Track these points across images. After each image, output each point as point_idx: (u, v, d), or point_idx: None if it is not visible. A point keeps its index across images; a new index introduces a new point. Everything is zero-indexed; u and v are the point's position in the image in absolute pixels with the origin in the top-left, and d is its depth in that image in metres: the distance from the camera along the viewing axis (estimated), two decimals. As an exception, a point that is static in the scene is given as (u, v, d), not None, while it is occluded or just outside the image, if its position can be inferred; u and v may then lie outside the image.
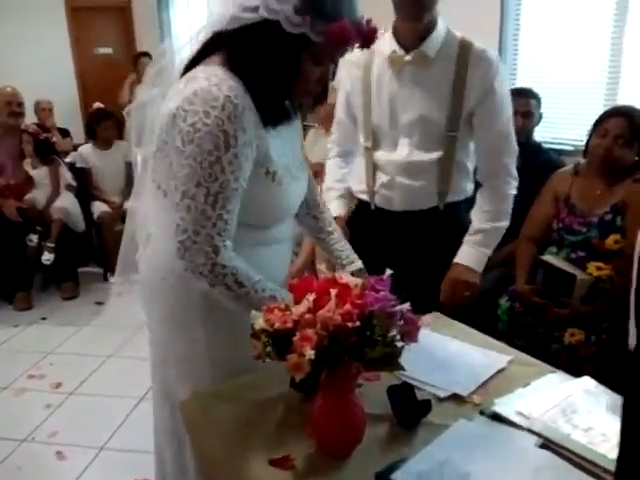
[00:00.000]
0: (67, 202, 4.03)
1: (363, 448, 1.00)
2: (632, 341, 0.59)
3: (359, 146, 1.88)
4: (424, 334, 0.99)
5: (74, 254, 4.08)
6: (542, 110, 2.64)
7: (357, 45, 1.13)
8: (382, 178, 1.80)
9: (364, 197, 1.88)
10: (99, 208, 4.27)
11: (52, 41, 6.24)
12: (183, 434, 1.29)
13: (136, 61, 5.72)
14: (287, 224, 1.32)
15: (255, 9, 1.05)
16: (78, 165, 4.36)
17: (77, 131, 5.42)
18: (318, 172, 2.32)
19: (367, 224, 1.87)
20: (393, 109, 1.73)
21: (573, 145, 2.91)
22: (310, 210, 1.47)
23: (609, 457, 0.95)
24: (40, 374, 2.93)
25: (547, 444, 1.00)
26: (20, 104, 3.92)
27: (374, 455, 0.99)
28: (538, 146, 2.66)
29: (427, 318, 1.45)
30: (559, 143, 2.99)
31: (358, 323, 0.88)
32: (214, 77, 1.07)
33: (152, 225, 1.27)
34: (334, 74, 1.20)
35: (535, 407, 1.09)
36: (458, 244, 1.80)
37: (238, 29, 1.08)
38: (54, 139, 4.49)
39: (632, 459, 0.55)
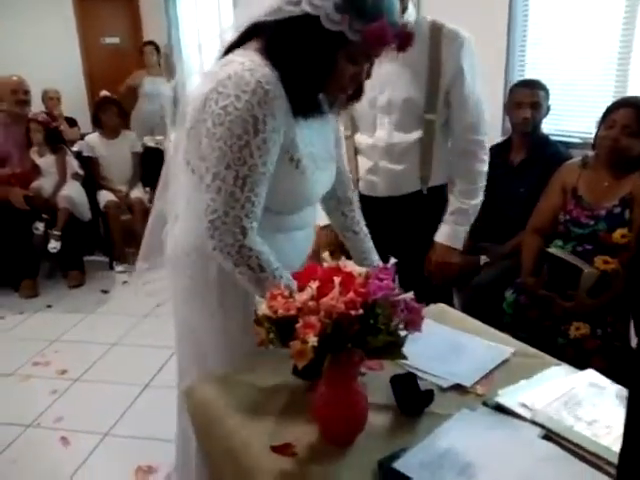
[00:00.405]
0: (73, 191, 4.04)
1: (365, 436, 1.00)
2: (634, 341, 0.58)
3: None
4: (427, 324, 0.98)
5: (80, 243, 4.09)
6: (550, 102, 2.61)
7: (393, 47, 1.14)
8: (365, 164, 1.84)
9: None
10: (105, 197, 4.28)
11: (59, 31, 6.25)
12: None
13: (141, 51, 5.73)
14: (308, 212, 1.34)
15: (297, 3, 1.07)
16: (85, 154, 4.37)
17: (84, 121, 5.42)
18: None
19: None
20: (371, 89, 1.72)
21: (581, 137, 2.88)
22: (340, 206, 1.49)
23: (612, 449, 0.95)
24: (45, 361, 2.95)
25: (550, 436, 1.00)
26: (26, 92, 3.92)
27: (376, 443, 0.99)
28: (546, 138, 2.63)
29: (430, 309, 1.45)
30: (567, 136, 2.97)
31: (361, 311, 0.88)
32: (249, 62, 1.10)
33: (181, 203, 1.32)
34: (369, 73, 1.21)
35: (538, 399, 1.08)
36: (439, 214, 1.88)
37: (279, 20, 1.09)
38: (62, 128, 4.50)
39: (635, 455, 0.55)
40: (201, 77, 1.20)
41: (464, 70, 1.70)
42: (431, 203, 1.87)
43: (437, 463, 0.93)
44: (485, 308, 2.22)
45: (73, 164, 4.18)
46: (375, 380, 1.12)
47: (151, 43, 5.76)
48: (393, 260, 1.00)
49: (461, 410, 1.07)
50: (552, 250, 2.20)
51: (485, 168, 1.86)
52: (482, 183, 1.87)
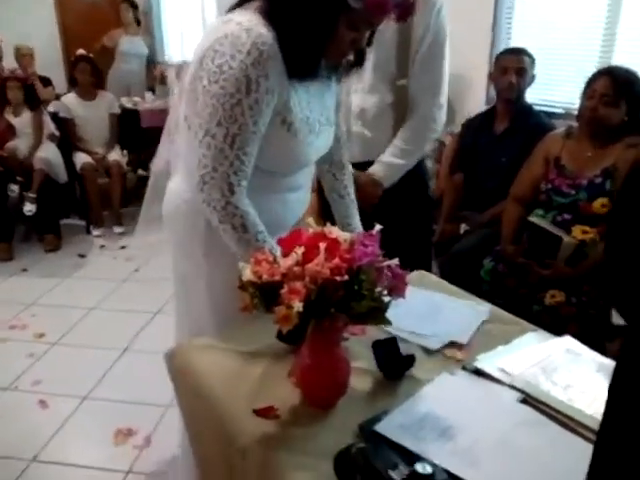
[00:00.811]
0: (49, 152, 3.94)
1: (347, 400, 1.01)
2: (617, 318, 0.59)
3: None
4: (409, 289, 0.98)
5: (56, 206, 4.02)
6: (535, 72, 2.61)
7: (393, 17, 1.15)
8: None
9: None
10: (82, 159, 4.18)
11: (32, -16, 5.98)
12: None
13: (118, 8, 5.54)
14: (302, 174, 1.36)
15: None
16: (61, 115, 4.25)
17: (59, 81, 5.26)
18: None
19: None
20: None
21: (564, 108, 2.89)
22: (332, 168, 1.51)
23: (586, 413, 0.98)
24: (22, 324, 2.92)
25: (527, 400, 1.02)
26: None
27: (358, 407, 1.00)
28: (529, 108, 2.64)
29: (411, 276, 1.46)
30: (550, 106, 2.97)
31: (346, 277, 0.88)
32: (247, 22, 1.10)
33: (179, 158, 1.36)
34: (371, 41, 1.22)
35: (516, 364, 1.11)
36: (417, 195, 1.89)
37: None
38: (36, 87, 4.36)
39: (613, 430, 0.56)
40: (203, 34, 1.21)
41: (431, 31, 1.67)
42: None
43: (418, 425, 0.95)
44: (463, 275, 2.25)
45: (49, 125, 4.07)
46: (357, 345, 1.13)
47: (126, 0, 5.56)
48: (378, 227, 0.99)
49: (441, 374, 1.09)
50: (533, 219, 2.22)
51: (435, 135, 1.84)
52: (424, 149, 1.85)
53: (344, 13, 1.10)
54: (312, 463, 0.89)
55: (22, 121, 3.90)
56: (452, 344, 1.20)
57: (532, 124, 2.54)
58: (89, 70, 4.26)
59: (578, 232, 2.12)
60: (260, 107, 1.12)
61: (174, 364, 1.20)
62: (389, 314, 0.94)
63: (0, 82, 3.81)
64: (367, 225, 1.04)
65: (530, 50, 2.61)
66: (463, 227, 2.71)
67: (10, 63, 4.54)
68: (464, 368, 1.11)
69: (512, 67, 2.54)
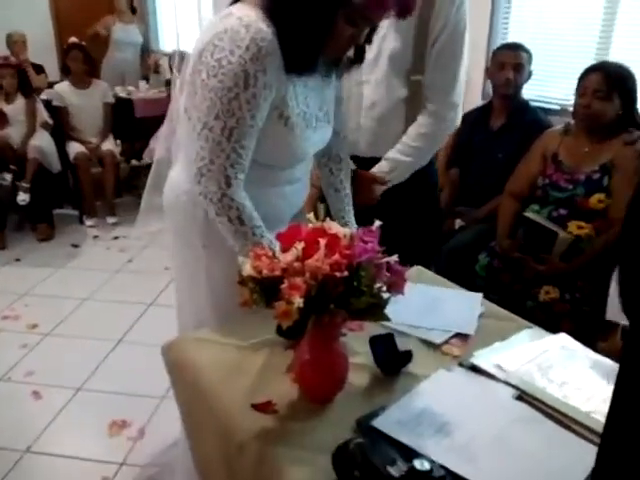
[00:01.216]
0: (43, 141, 3.91)
1: (345, 395, 1.01)
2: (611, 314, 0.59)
3: None
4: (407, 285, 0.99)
5: (49, 195, 4.00)
6: (532, 68, 2.61)
7: (393, 14, 1.14)
8: (348, 121, 1.78)
9: None
10: (75, 149, 4.14)
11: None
12: None
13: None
14: (300, 167, 1.36)
15: None
16: (55, 103, 4.20)
17: (52, 69, 5.21)
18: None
19: None
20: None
21: (560, 104, 2.90)
22: (329, 162, 1.51)
23: (581, 410, 0.99)
24: (15, 315, 2.91)
25: (523, 396, 1.03)
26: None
27: (355, 402, 1.01)
28: (525, 104, 2.64)
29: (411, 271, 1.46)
30: (547, 102, 2.97)
31: (346, 273, 0.88)
32: (246, 17, 1.11)
33: (181, 148, 1.37)
34: (370, 38, 1.23)
35: (513, 361, 1.11)
36: (424, 193, 1.83)
37: None
38: (29, 74, 4.31)
39: (618, 431, 0.56)
40: (202, 27, 1.23)
41: (449, 27, 1.63)
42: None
43: (415, 421, 0.95)
44: (458, 271, 2.26)
45: (42, 113, 4.03)
46: (355, 341, 1.13)
47: None
48: (378, 223, 0.99)
49: (438, 370, 1.10)
50: (529, 214, 2.23)
51: (445, 135, 1.77)
52: (434, 148, 1.79)
53: (343, 8, 1.10)
54: (310, 458, 0.89)
55: (15, 108, 3.86)
56: (456, 336, 1.21)
57: (529, 120, 2.54)
58: (81, 58, 4.22)
59: (574, 227, 2.13)
60: (258, 101, 1.14)
61: (171, 357, 1.19)
62: (388, 310, 0.94)
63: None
64: (371, 221, 1.03)
65: (526, 46, 2.61)
66: (458, 222, 2.72)
67: (2, 50, 4.49)
68: (461, 364, 1.12)
69: (509, 63, 2.53)
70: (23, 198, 3.72)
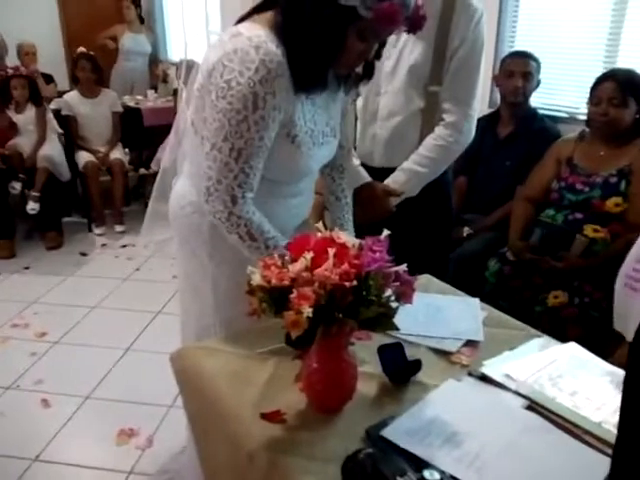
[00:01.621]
0: (53, 150, 3.94)
1: (353, 405, 1.01)
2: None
3: None
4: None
5: (58, 203, 4.02)
6: (540, 76, 2.61)
7: (404, 29, 1.15)
8: (363, 131, 1.79)
9: None
10: (84, 158, 4.18)
11: (35, -18, 5.97)
12: None
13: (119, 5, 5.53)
14: (305, 181, 1.37)
15: None
16: (64, 113, 4.25)
17: (61, 78, 5.26)
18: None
19: None
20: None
21: (568, 112, 2.89)
22: (332, 172, 1.52)
23: (592, 420, 0.98)
24: (24, 323, 2.92)
25: (533, 406, 1.02)
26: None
27: (364, 411, 1.01)
28: (534, 112, 2.64)
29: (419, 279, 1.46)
30: (555, 110, 2.97)
31: (355, 283, 0.88)
32: (256, 37, 1.11)
33: (187, 159, 1.39)
34: (380, 54, 1.23)
35: (522, 370, 1.11)
36: (437, 203, 1.83)
37: None
38: (38, 84, 4.35)
39: (630, 441, 0.56)
40: (211, 44, 1.24)
41: (468, 41, 1.63)
42: None
43: (424, 431, 0.95)
44: (467, 279, 2.25)
45: (52, 122, 4.07)
46: (364, 350, 1.13)
47: None
48: (386, 232, 1.00)
49: (447, 380, 1.09)
50: (544, 219, 2.24)
51: (461, 147, 1.75)
52: (449, 160, 1.77)
53: (354, 23, 1.10)
54: (319, 468, 0.89)
55: (25, 118, 3.90)
56: (465, 345, 1.21)
57: (537, 128, 2.54)
58: (90, 67, 4.25)
59: (589, 231, 2.13)
60: (266, 123, 1.14)
61: (179, 366, 1.20)
62: (396, 319, 0.94)
63: (4, 79, 3.79)
64: (381, 231, 1.02)
65: (534, 53, 2.61)
66: (466, 230, 2.71)
67: (12, 60, 4.54)
68: (470, 374, 1.12)
69: (518, 71, 2.53)
70: (33, 207, 3.75)
